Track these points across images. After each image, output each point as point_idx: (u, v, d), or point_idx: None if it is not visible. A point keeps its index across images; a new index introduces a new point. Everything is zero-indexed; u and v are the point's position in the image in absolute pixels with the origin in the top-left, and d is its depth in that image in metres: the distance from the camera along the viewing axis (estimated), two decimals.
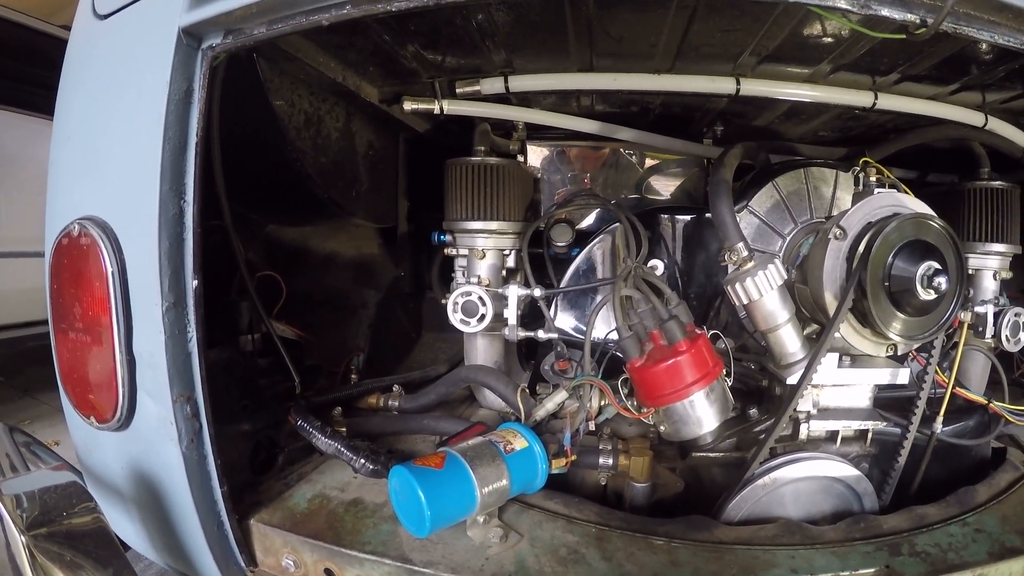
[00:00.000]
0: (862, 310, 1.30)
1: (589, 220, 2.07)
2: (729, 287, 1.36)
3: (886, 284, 1.28)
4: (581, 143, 2.03)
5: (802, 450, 1.41)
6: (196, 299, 1.03)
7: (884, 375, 1.44)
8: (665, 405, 1.31)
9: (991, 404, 1.55)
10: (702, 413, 1.31)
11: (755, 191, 1.64)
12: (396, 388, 1.77)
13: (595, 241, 1.76)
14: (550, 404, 1.40)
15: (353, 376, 1.90)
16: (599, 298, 1.75)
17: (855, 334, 1.39)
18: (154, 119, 1.03)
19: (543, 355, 1.72)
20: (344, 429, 1.57)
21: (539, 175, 2.01)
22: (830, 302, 1.34)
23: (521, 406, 1.42)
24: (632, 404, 1.39)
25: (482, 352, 1.76)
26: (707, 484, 1.54)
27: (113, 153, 1.12)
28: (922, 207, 1.39)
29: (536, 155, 2.10)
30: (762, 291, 1.33)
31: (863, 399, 1.49)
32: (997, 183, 1.75)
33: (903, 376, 1.42)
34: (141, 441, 1.15)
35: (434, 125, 2.04)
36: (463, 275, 1.78)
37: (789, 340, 1.39)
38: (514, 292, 1.61)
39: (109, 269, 1.07)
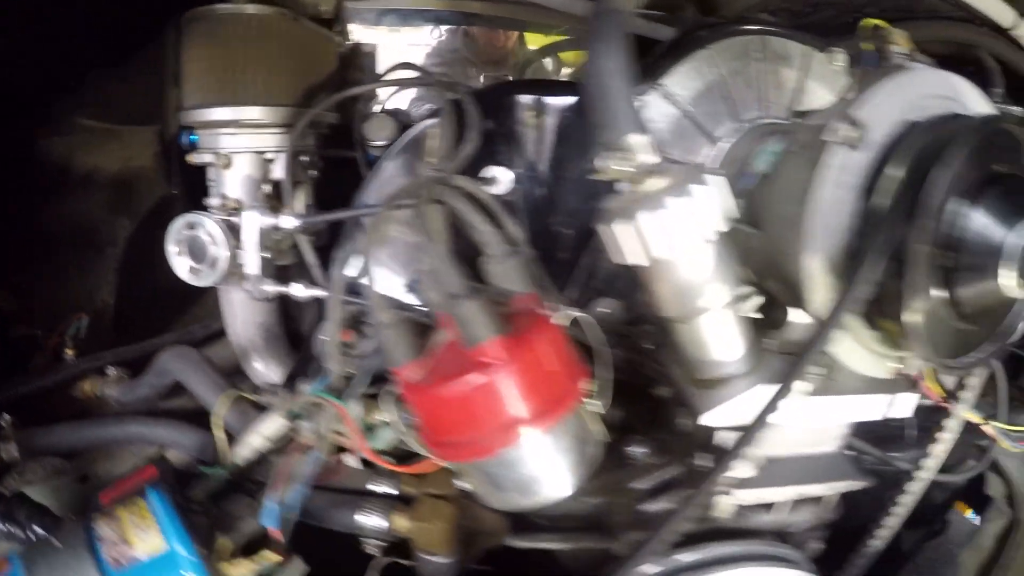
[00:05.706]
0: (879, 295, 0.63)
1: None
2: (607, 227, 0.66)
3: (948, 252, 0.60)
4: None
5: (722, 536, 0.78)
6: None
7: (881, 406, 0.77)
8: (463, 461, 0.72)
9: (988, 423, 0.99)
10: (537, 469, 0.70)
11: (674, 64, 0.91)
12: (113, 371, 1.15)
13: (411, 135, 1.08)
14: (256, 438, 0.81)
15: (69, 351, 1.27)
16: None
17: (851, 339, 0.70)
18: None
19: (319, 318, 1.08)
20: (13, 446, 0.97)
21: (365, 49, 1.36)
22: (816, 271, 0.66)
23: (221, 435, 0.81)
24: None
25: (240, 314, 1.15)
26: None
27: None
28: (988, 105, 0.72)
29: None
30: (675, 242, 0.63)
31: (831, 442, 0.83)
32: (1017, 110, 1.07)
33: (905, 405, 0.78)
34: None
35: None
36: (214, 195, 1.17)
37: (720, 336, 0.71)
38: (251, 220, 1.00)
39: None
